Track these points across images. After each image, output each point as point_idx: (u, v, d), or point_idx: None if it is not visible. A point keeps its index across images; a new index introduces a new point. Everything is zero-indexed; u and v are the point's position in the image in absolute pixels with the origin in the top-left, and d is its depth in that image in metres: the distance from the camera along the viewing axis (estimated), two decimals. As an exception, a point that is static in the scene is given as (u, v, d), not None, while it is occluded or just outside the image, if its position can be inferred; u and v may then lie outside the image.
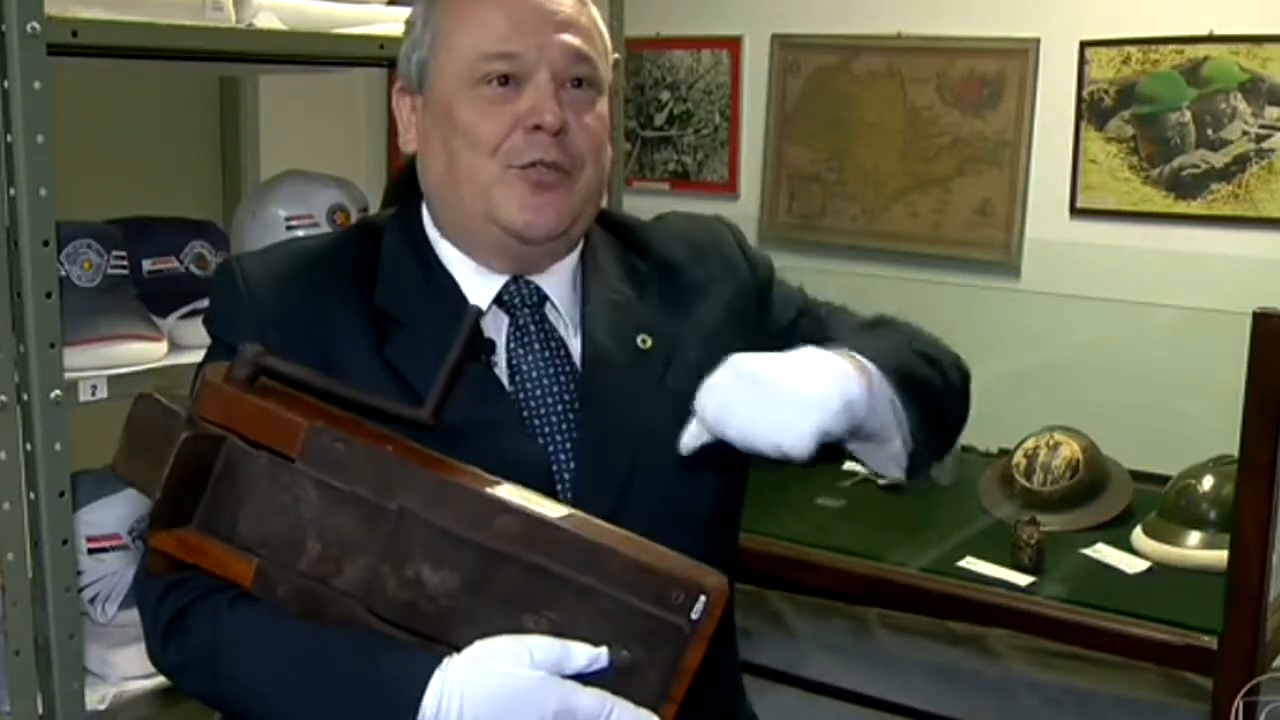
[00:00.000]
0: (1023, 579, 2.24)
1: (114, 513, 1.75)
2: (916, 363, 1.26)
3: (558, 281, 1.29)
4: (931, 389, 1.25)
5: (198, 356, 1.70)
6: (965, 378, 1.36)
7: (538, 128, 1.21)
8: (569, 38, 1.23)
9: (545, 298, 1.28)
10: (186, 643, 1.16)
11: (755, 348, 1.31)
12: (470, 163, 1.23)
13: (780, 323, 1.37)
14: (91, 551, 1.73)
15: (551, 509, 1.08)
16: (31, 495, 1.55)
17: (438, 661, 1.04)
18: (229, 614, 1.12)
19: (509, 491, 1.08)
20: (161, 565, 1.14)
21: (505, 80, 1.22)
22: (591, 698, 1.03)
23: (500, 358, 1.25)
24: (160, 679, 1.68)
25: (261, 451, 1.09)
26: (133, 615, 1.68)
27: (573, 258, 1.31)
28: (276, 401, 1.10)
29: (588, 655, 1.04)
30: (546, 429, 1.24)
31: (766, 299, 1.38)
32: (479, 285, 1.27)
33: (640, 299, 1.31)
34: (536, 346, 1.26)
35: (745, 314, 1.35)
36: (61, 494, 1.56)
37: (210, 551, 1.10)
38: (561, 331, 1.28)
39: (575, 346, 1.27)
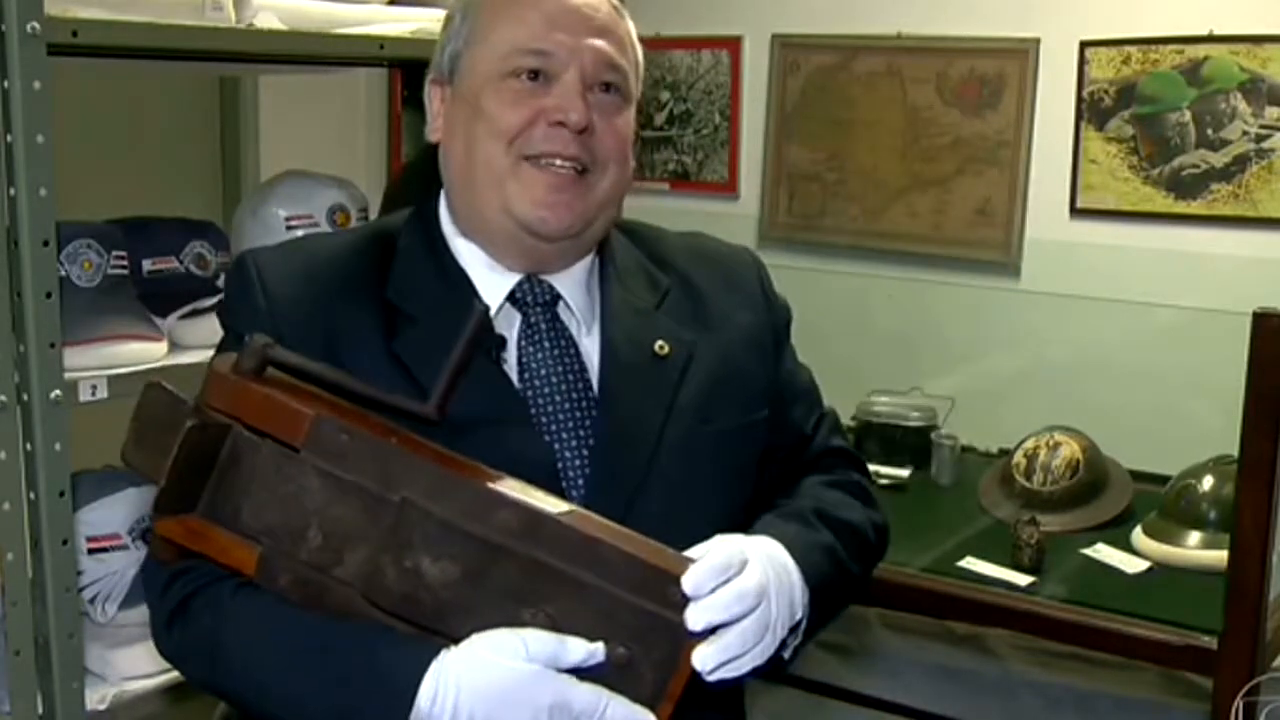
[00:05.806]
0: (1023, 579, 2.24)
1: (114, 513, 1.75)
2: (842, 567, 1.27)
3: (572, 282, 1.30)
4: (839, 592, 1.27)
5: (198, 356, 1.71)
6: (883, 544, 1.38)
7: (561, 124, 1.22)
8: (602, 43, 1.25)
9: (558, 297, 1.29)
10: (188, 631, 1.17)
11: (766, 382, 1.34)
12: (487, 151, 1.24)
13: (782, 381, 1.37)
14: (91, 551, 1.73)
15: (552, 505, 1.08)
16: (31, 495, 1.55)
17: (434, 653, 1.05)
18: (230, 603, 1.13)
19: (511, 486, 1.08)
20: (166, 552, 1.15)
21: (535, 76, 1.24)
22: (587, 692, 1.03)
23: (510, 355, 1.26)
24: (160, 679, 1.70)
25: (266, 440, 1.10)
26: (132, 615, 1.69)
27: (588, 260, 1.31)
28: (282, 392, 1.11)
29: (584, 650, 1.04)
30: (554, 426, 1.24)
31: (780, 342, 1.40)
32: (492, 282, 1.27)
33: (659, 308, 1.32)
34: (547, 345, 1.27)
35: (763, 347, 1.36)
36: (61, 494, 1.56)
37: (214, 538, 1.11)
38: (574, 331, 1.28)
39: (587, 346, 1.28)
